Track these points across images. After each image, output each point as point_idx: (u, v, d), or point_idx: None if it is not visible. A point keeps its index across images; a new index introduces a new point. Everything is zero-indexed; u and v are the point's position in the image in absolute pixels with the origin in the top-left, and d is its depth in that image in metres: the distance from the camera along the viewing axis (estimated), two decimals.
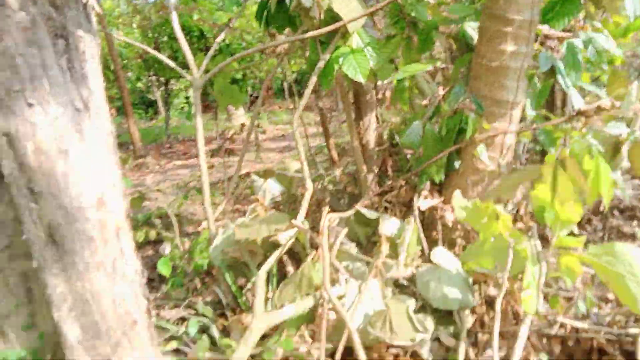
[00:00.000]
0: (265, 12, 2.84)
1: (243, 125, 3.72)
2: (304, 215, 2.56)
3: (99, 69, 1.64)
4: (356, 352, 1.76)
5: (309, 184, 2.72)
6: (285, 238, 2.45)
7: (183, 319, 2.73)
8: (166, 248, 3.08)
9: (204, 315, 2.67)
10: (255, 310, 2.08)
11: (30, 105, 1.39)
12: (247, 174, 5.35)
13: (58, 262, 1.54)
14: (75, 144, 1.51)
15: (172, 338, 2.49)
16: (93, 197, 1.56)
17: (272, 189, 3.12)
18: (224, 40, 8.07)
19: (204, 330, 2.56)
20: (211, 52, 2.63)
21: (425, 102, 3.34)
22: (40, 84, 1.41)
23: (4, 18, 1.30)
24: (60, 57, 1.46)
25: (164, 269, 2.83)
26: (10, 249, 1.69)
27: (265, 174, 4.66)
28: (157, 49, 8.96)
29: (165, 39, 9.46)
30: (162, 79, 10.77)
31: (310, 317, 2.40)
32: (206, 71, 2.81)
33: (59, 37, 1.46)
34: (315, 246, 2.53)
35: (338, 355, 1.85)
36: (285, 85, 8.24)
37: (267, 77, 2.85)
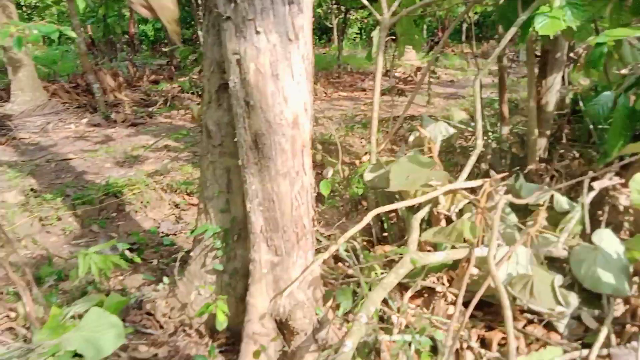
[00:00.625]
0: None
1: (418, 68, 3.72)
2: (466, 175, 2.57)
3: (311, 5, 1.84)
4: (502, 303, 1.83)
5: (480, 144, 2.65)
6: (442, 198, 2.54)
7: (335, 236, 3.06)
8: (329, 172, 3.40)
9: (352, 238, 2.96)
10: (409, 247, 2.27)
11: (257, 32, 1.67)
12: (409, 117, 5.40)
13: (257, 165, 1.89)
14: (284, 70, 1.77)
15: (321, 250, 2.82)
16: (291, 117, 1.83)
17: (443, 132, 3.14)
18: None
19: (350, 250, 2.86)
20: None
21: (624, 70, 2.99)
22: (267, 15, 1.67)
23: None
24: None
25: (324, 189, 3.14)
26: (222, 146, 2.11)
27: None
28: None
29: None
30: (342, 7, 10.98)
31: (451, 264, 2.54)
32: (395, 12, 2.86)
33: None
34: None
35: (473, 304, 1.96)
36: (464, 27, 7.81)
37: (451, 20, 2.77)
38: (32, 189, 4.09)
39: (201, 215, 2.31)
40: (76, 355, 1.98)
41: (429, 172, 2.48)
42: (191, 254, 2.44)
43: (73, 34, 1.90)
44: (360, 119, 6.17)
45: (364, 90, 9.41)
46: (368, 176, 2.99)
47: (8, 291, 2.74)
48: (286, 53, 1.76)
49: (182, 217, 3.97)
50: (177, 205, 4.20)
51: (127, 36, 11.21)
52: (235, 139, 1.91)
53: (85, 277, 2.99)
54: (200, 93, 8.03)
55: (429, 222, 2.88)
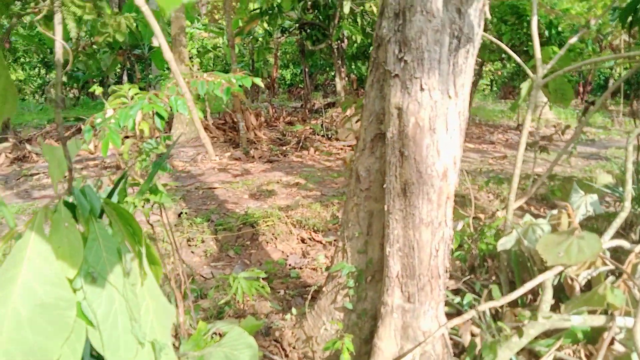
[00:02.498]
0: (631, 17, 2.67)
1: (567, 127, 3.57)
2: (609, 238, 2.47)
3: (473, 64, 1.93)
4: None
5: (627, 206, 2.55)
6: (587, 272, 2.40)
7: (458, 291, 3.00)
8: (459, 224, 3.37)
9: (478, 295, 2.88)
10: (541, 308, 2.17)
11: (422, 89, 1.79)
12: (550, 177, 5.12)
13: (402, 212, 1.97)
14: (441, 124, 1.86)
15: (445, 303, 2.78)
16: (441, 169, 1.90)
17: (590, 206, 2.98)
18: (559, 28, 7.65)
19: (474, 307, 2.77)
20: (562, 52, 2.64)
21: None
22: (433, 74, 1.79)
23: (426, 22, 1.70)
24: (451, 54, 1.80)
25: (454, 242, 3.12)
26: (368, 191, 2.23)
27: (566, 182, 4.41)
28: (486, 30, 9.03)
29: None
30: (478, 59, 10.93)
31: (590, 338, 2.34)
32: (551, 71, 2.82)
33: (454, 37, 1.79)
34: (619, 272, 2.40)
35: None
36: (610, 82, 7.34)
37: (595, 75, 2.62)
38: (183, 212, 4.62)
39: (338, 253, 2.44)
40: None
41: (579, 240, 2.35)
42: (323, 289, 2.56)
43: (260, 83, 2.20)
44: (488, 173, 5.99)
45: (492, 143, 9.15)
46: (503, 242, 2.90)
47: None
48: (444, 109, 1.86)
49: (309, 253, 4.17)
50: (303, 241, 4.43)
51: (268, 79, 12.33)
52: (384, 186, 2.03)
53: (221, 298, 3.28)
54: (330, 136, 8.45)
55: (560, 287, 2.71)
